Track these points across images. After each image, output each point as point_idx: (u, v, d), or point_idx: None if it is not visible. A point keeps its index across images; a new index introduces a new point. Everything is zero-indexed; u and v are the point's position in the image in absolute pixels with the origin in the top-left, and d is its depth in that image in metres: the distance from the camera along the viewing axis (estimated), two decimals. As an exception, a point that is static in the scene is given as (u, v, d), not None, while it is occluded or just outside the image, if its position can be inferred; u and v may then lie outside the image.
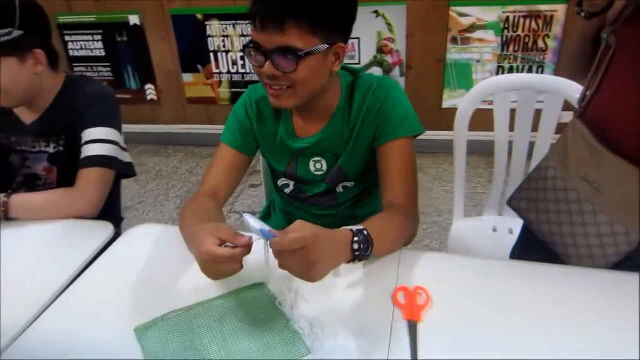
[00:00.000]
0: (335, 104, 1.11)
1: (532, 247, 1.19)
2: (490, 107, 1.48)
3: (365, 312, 0.85)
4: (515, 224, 1.55)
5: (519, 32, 2.77)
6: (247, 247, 0.79)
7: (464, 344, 0.77)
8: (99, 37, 3.23)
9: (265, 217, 1.43)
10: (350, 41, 2.85)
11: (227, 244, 0.80)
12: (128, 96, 3.42)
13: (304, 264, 0.74)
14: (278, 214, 1.38)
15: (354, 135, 1.12)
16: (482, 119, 1.52)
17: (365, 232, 0.85)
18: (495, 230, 1.61)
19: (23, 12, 1.14)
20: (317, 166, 1.18)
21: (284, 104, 1.02)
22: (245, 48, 0.97)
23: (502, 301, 0.85)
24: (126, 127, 3.89)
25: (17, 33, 1.14)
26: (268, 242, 0.77)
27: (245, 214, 0.81)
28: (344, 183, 1.21)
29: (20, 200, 1.15)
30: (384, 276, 0.92)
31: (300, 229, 0.75)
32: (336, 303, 0.86)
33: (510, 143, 1.54)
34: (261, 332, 0.80)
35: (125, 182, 3.00)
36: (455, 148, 1.59)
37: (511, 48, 2.82)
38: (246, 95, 1.17)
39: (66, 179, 1.27)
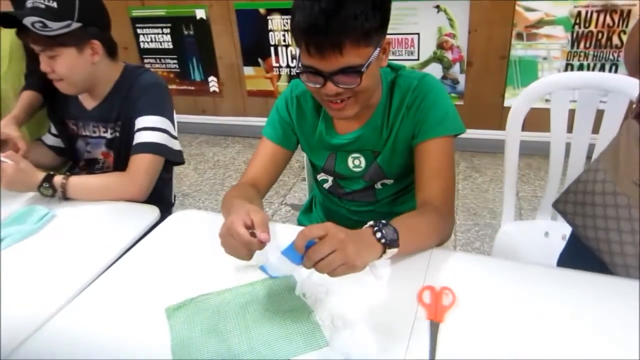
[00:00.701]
0: (376, 101, 1.11)
1: (580, 254, 1.12)
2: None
3: (388, 308, 0.84)
4: (569, 230, 1.48)
5: (592, 28, 2.61)
6: (261, 243, 0.82)
7: (485, 349, 0.75)
8: (168, 30, 3.38)
9: (306, 211, 1.45)
10: (409, 37, 2.86)
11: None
12: (192, 87, 3.56)
13: (338, 248, 0.73)
14: (318, 208, 1.40)
15: (393, 134, 1.11)
16: (549, 119, 1.45)
17: (383, 221, 0.85)
18: (547, 235, 1.54)
19: (81, 5, 1.22)
20: (356, 162, 1.18)
21: (348, 113, 1.02)
22: (299, 74, 0.96)
23: (532, 308, 0.82)
24: (188, 117, 4.03)
25: (75, 25, 1.22)
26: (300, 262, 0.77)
27: (264, 265, 0.81)
28: (382, 180, 1.20)
29: (77, 182, 1.24)
30: (412, 274, 0.91)
31: None
32: (361, 297, 0.87)
33: (569, 145, 1.46)
34: (283, 320, 0.82)
35: (184, 170, 3.16)
36: (506, 148, 1.53)
37: (582, 45, 2.67)
38: (287, 90, 1.19)
39: (122, 163, 1.35)
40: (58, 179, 1.23)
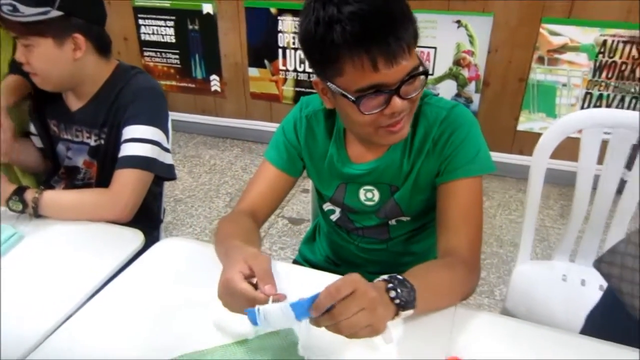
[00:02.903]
0: None
1: (616, 317, 0.99)
2: (573, 135, 1.29)
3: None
4: (588, 275, 1.38)
5: (616, 58, 2.50)
6: (267, 297, 0.69)
7: None
8: (171, 24, 3.21)
9: (308, 241, 1.31)
10: (425, 50, 2.73)
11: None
12: (192, 85, 3.39)
13: (367, 308, 0.63)
14: (323, 240, 1.26)
15: (415, 169, 0.98)
16: (561, 146, 1.33)
17: (399, 277, 0.72)
18: (564, 279, 1.42)
19: None
20: (368, 195, 1.04)
21: (405, 132, 0.89)
22: (356, 102, 0.80)
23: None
24: (187, 116, 3.88)
25: (55, 13, 1.07)
26: (306, 320, 0.65)
27: (258, 308, 0.66)
28: (398, 217, 1.07)
29: (52, 197, 1.10)
30: (433, 338, 0.79)
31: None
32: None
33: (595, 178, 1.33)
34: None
35: (178, 173, 3.00)
36: (529, 183, 1.40)
37: (604, 74, 2.55)
38: (296, 109, 1.06)
39: (106, 176, 1.20)
40: (30, 194, 1.08)
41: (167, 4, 3.16)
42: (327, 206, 1.14)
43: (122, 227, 1.09)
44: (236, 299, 0.71)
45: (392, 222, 1.08)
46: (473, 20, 2.61)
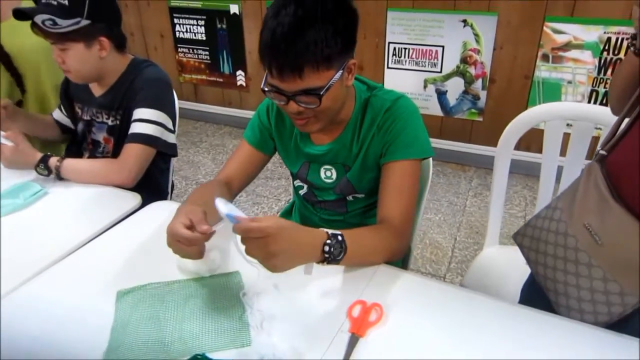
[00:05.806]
0: (348, 116, 1.15)
1: (539, 288, 1.14)
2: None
3: (318, 316, 0.89)
4: None
5: (620, 56, 2.55)
6: (205, 235, 0.88)
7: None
8: (202, 22, 3.49)
9: (286, 214, 1.51)
10: (433, 49, 2.86)
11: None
12: (220, 80, 3.66)
13: (263, 254, 0.79)
14: (296, 212, 1.45)
15: (363, 151, 1.15)
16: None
17: (339, 237, 0.89)
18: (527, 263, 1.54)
19: (91, 3, 1.31)
20: (327, 174, 1.22)
21: (311, 129, 1.07)
22: (264, 92, 1.01)
23: (460, 338, 0.84)
24: (215, 108, 4.13)
25: (84, 22, 1.31)
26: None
27: (217, 199, 0.85)
28: (353, 194, 1.24)
29: (71, 164, 1.34)
30: (352, 286, 0.95)
31: (266, 219, 0.80)
32: (296, 301, 0.91)
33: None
34: (217, 316, 0.88)
35: (201, 159, 3.28)
36: (495, 170, 1.55)
37: (609, 72, 2.60)
38: None
39: (120, 149, 1.43)
40: (53, 161, 1.33)
41: (198, 5, 3.43)
42: (296, 182, 1.33)
43: (126, 191, 1.33)
44: (180, 244, 0.89)
45: (349, 197, 1.26)
46: (478, 19, 2.73)
